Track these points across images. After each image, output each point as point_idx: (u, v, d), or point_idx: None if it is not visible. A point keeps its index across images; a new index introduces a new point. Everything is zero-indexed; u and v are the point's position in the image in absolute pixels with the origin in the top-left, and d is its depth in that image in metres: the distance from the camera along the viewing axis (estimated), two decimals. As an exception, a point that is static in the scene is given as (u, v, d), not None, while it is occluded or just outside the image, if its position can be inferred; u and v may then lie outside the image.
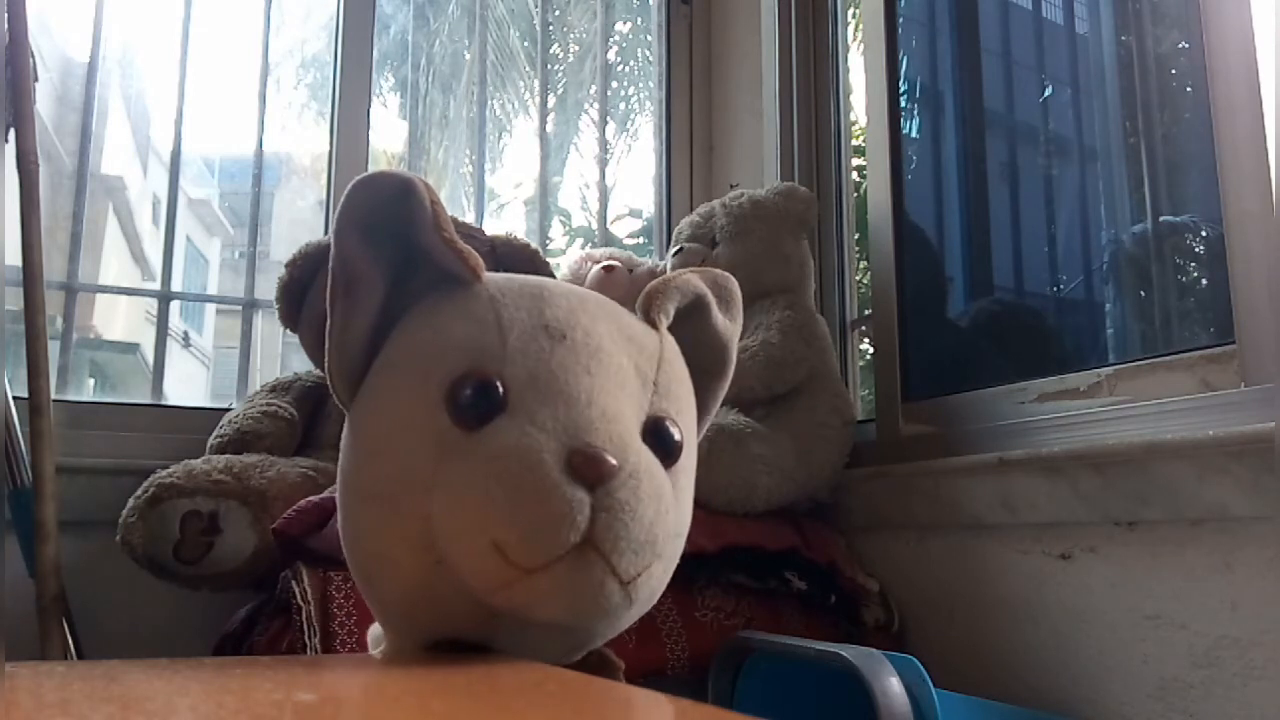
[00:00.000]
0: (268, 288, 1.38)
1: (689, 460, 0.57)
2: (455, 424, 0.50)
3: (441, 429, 0.50)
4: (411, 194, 0.53)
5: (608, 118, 1.95)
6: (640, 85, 2.22)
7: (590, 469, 0.47)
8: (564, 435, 0.49)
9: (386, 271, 0.55)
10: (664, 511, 0.50)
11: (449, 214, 0.55)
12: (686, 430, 0.56)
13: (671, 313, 0.59)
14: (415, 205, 0.53)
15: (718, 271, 0.65)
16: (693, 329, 0.62)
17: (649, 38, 1.95)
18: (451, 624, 0.53)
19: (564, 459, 0.47)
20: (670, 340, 0.59)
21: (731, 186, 1.62)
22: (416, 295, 0.56)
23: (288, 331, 1.32)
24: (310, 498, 0.99)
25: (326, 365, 0.57)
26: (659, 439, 0.53)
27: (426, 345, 0.54)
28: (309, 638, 0.87)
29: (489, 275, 0.56)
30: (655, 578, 0.52)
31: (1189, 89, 1.16)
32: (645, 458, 0.51)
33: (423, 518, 0.50)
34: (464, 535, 0.48)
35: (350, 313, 0.55)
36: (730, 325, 0.64)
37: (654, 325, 0.58)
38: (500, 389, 0.50)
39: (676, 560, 0.57)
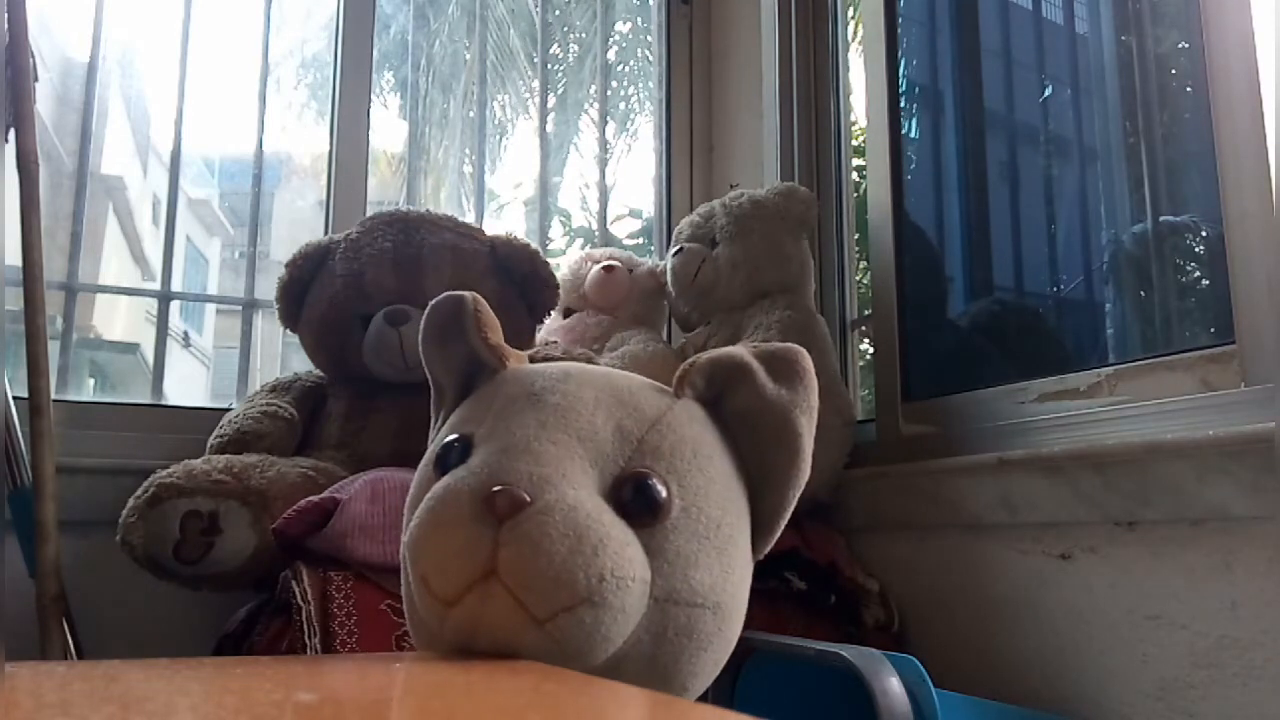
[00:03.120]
0: (268, 288, 1.37)
1: (695, 524, 0.55)
2: (436, 476, 0.57)
3: (430, 482, 0.57)
4: (463, 306, 0.62)
5: (608, 118, 1.95)
6: (640, 85, 2.22)
7: (497, 505, 0.50)
8: (488, 476, 0.52)
9: (459, 375, 0.65)
10: (586, 551, 0.49)
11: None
12: (690, 491, 0.55)
13: (699, 384, 0.61)
14: (465, 314, 0.62)
15: (782, 344, 0.61)
16: (742, 400, 0.60)
17: (649, 38, 1.95)
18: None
19: (482, 497, 0.51)
20: (686, 408, 0.59)
21: (731, 186, 1.62)
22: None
23: (288, 331, 1.32)
24: (310, 498, 0.98)
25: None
26: (637, 494, 0.54)
27: (448, 425, 0.62)
28: (309, 638, 0.87)
29: (518, 367, 0.63)
30: (590, 625, 0.50)
31: (1189, 89, 1.16)
32: (570, 498, 0.51)
33: None
34: (410, 573, 0.54)
35: (438, 411, 0.66)
36: (786, 393, 0.59)
37: (679, 396, 0.61)
38: (471, 446, 0.56)
39: (689, 634, 0.55)
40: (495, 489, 0.50)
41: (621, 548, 0.51)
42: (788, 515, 0.62)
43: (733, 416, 0.61)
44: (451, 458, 0.56)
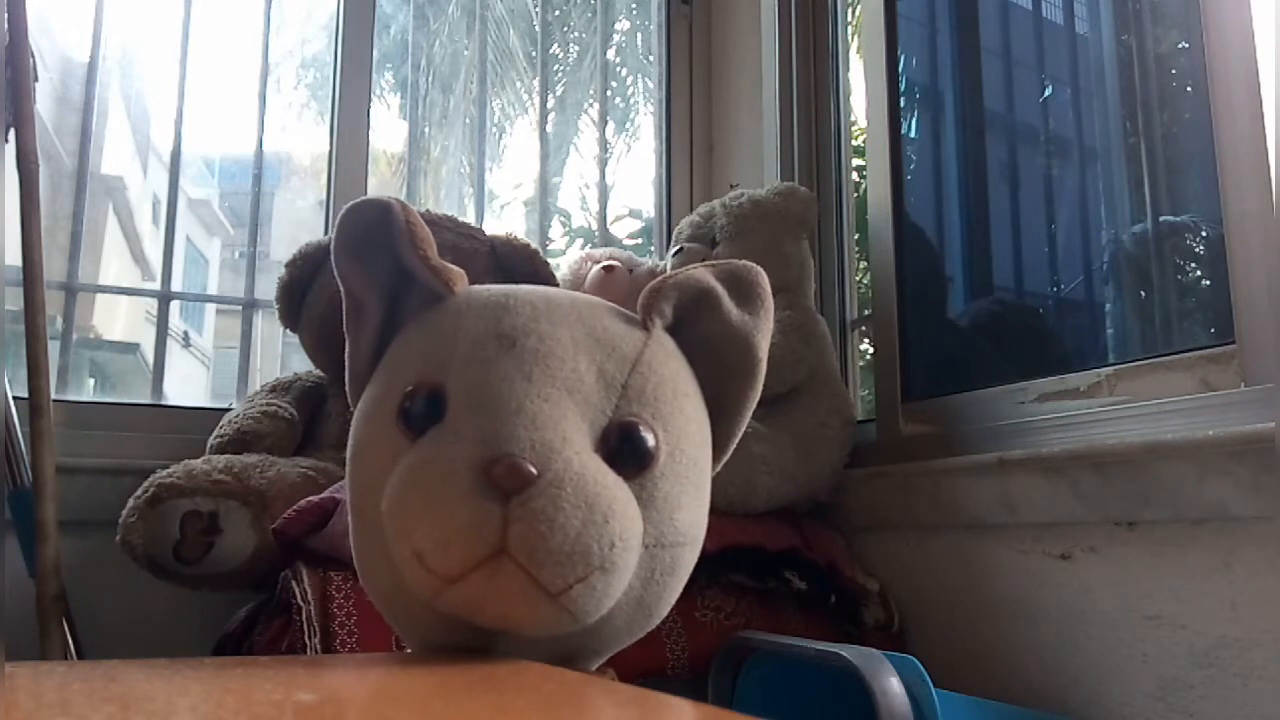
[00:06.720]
0: (268, 288, 1.37)
1: (679, 466, 0.54)
2: (404, 434, 0.51)
3: (396, 440, 0.52)
4: (390, 216, 0.55)
5: (608, 118, 1.95)
6: (640, 85, 2.22)
7: (504, 478, 0.47)
8: (484, 445, 0.48)
9: (383, 292, 0.58)
10: (598, 521, 0.48)
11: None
12: (673, 435, 0.54)
13: (667, 312, 0.58)
14: (395, 227, 0.55)
15: (740, 263, 0.61)
16: (705, 326, 0.59)
17: (649, 36, 1.94)
18: (426, 631, 0.54)
19: (481, 469, 0.47)
20: (661, 343, 0.57)
21: (731, 186, 1.62)
22: (412, 312, 0.58)
23: (288, 331, 1.32)
24: (310, 498, 0.99)
25: (346, 383, 0.59)
26: (626, 444, 0.52)
27: (393, 360, 0.56)
28: (309, 638, 0.87)
29: (467, 288, 0.57)
30: (601, 590, 0.49)
31: (1189, 89, 1.16)
32: (577, 465, 0.49)
33: (383, 528, 0.50)
34: (395, 544, 0.49)
35: (358, 333, 0.58)
36: (749, 319, 0.59)
37: (648, 327, 0.57)
38: (443, 399, 0.51)
39: (672, 571, 0.55)
40: (496, 460, 0.47)
41: (625, 509, 0.50)
42: (740, 435, 0.62)
43: (695, 342, 0.59)
44: (418, 410, 0.51)
